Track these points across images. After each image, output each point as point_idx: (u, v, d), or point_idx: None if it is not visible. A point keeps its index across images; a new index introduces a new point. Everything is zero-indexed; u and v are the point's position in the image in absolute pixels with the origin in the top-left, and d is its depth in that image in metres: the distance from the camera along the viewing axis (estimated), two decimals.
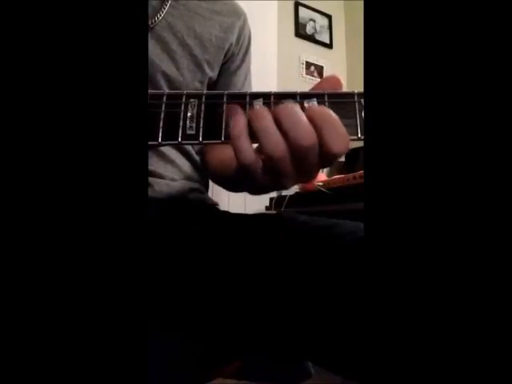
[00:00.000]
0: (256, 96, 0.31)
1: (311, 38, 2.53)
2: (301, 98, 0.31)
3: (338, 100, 0.31)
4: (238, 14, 0.66)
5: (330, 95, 0.30)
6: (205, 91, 0.32)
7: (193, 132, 0.31)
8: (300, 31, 2.48)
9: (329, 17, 2.63)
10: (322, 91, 0.31)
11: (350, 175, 1.35)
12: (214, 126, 0.31)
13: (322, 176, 1.69)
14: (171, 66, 0.57)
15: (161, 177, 0.58)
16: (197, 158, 0.66)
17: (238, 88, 0.67)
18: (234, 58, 0.66)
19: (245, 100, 0.31)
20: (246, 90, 0.67)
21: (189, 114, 0.31)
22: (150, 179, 0.57)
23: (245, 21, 0.67)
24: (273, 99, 0.31)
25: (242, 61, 0.68)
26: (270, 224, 0.49)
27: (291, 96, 0.31)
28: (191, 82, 0.60)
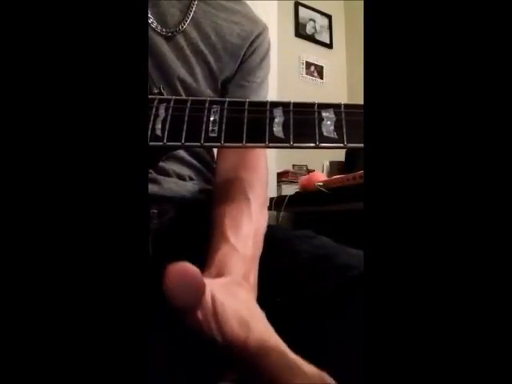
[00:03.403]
0: (276, 105, 0.33)
1: (311, 38, 2.54)
2: (318, 107, 0.33)
3: (354, 111, 0.33)
4: (257, 23, 0.67)
5: (347, 106, 0.33)
6: (227, 98, 0.34)
7: (215, 135, 0.33)
8: (300, 31, 2.49)
9: (329, 17, 2.63)
10: (338, 102, 0.33)
11: (350, 175, 1.36)
12: (236, 130, 0.33)
13: (322, 176, 1.71)
14: (186, 72, 0.59)
15: (169, 175, 0.59)
16: (208, 158, 0.67)
17: (252, 89, 0.67)
18: (249, 60, 0.66)
19: (265, 107, 0.33)
20: (260, 94, 0.67)
21: (211, 119, 0.33)
22: (159, 177, 0.58)
23: (264, 30, 0.67)
24: (292, 108, 0.34)
25: (258, 64, 0.67)
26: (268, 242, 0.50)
27: (310, 106, 0.34)
28: (205, 89, 0.61)
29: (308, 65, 2.47)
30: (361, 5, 0.27)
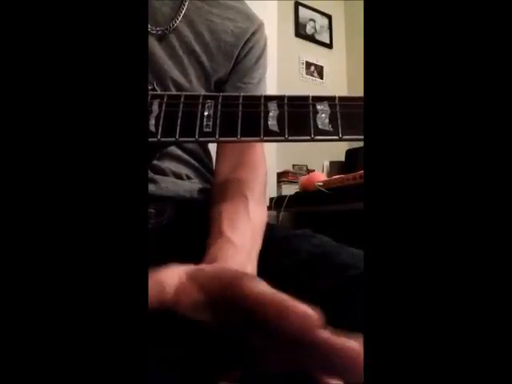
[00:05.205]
0: (270, 98, 0.33)
1: (311, 38, 2.54)
2: (313, 100, 0.33)
3: (349, 103, 0.33)
4: (253, 20, 0.66)
5: (341, 98, 0.33)
6: (221, 93, 0.34)
7: (209, 130, 0.33)
8: (300, 31, 2.49)
9: (329, 17, 2.64)
10: (332, 95, 0.33)
11: (350, 175, 1.36)
12: (231, 125, 0.33)
13: (322, 176, 1.71)
14: (179, 73, 0.58)
15: (166, 174, 0.59)
16: (206, 159, 0.66)
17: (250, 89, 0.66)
18: (245, 60, 0.65)
19: (260, 101, 0.33)
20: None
21: (206, 113, 0.33)
22: (156, 176, 0.57)
23: (259, 26, 0.66)
24: (286, 101, 0.33)
25: (254, 64, 0.66)
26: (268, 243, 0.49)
27: (304, 99, 0.33)
28: (199, 89, 0.60)
29: (308, 65, 2.48)
30: (361, 5, 0.27)
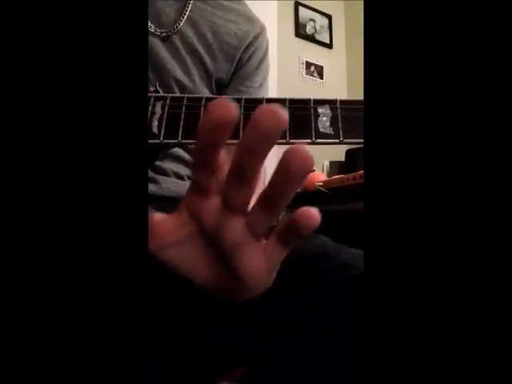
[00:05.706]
0: (272, 101, 0.33)
1: (311, 38, 2.54)
2: (314, 103, 0.33)
3: (350, 107, 0.33)
4: (254, 23, 0.66)
5: (342, 102, 0.33)
6: (224, 95, 0.34)
7: None
8: (300, 31, 2.49)
9: (329, 17, 2.64)
10: (334, 98, 0.33)
11: (350, 175, 1.36)
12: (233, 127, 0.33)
13: (322, 176, 1.71)
14: (182, 73, 0.59)
15: (167, 174, 0.59)
16: None
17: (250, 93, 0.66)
18: (247, 65, 0.65)
19: (261, 104, 0.33)
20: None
21: None
22: (157, 176, 0.58)
23: (262, 30, 0.67)
24: (288, 104, 0.34)
25: (256, 68, 0.67)
26: None
27: (306, 102, 0.34)
28: (201, 89, 0.61)
29: (308, 65, 2.47)
30: (361, 5, 0.27)
